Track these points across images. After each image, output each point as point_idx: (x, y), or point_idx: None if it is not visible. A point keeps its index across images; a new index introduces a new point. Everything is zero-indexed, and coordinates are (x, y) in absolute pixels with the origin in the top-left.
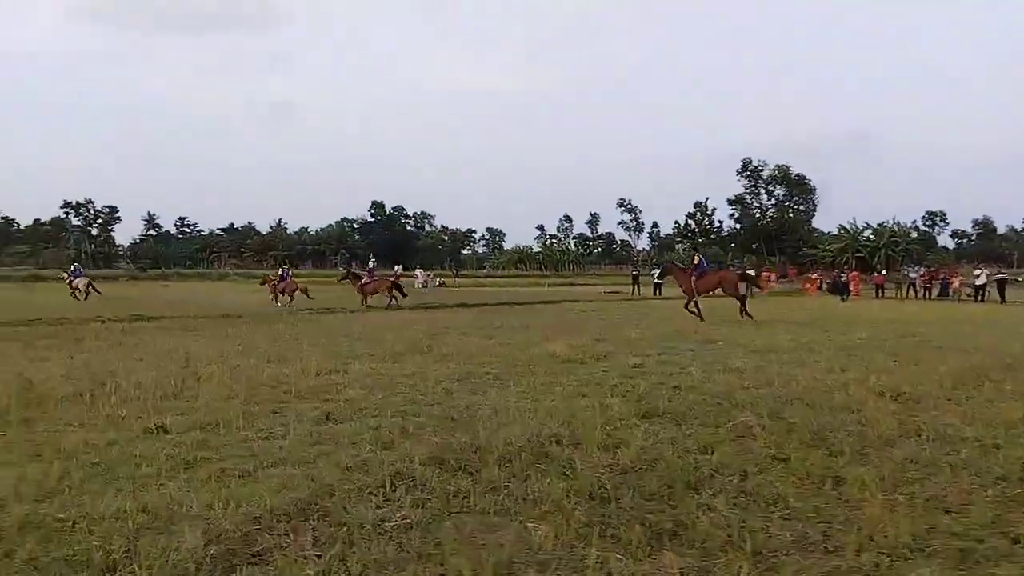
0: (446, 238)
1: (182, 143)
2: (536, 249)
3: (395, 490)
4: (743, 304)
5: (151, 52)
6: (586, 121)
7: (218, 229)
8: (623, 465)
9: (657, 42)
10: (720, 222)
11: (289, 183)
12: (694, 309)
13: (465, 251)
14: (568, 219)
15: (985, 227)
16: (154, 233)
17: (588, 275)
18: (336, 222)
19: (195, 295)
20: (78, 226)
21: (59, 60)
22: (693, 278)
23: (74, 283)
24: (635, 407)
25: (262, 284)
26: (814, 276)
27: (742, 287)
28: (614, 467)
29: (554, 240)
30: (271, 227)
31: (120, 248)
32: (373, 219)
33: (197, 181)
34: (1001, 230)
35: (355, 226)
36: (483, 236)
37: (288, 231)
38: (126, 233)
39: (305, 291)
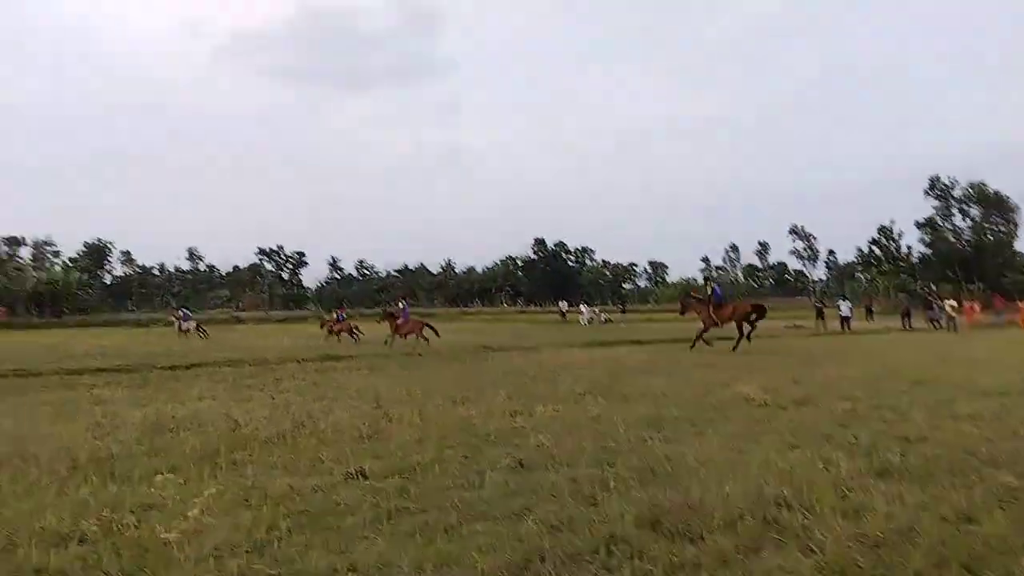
0: (607, 272)
1: (361, 190)
2: (701, 282)
3: (611, 556)
4: (748, 335)
5: (330, 106)
6: (750, 146)
7: (394, 271)
8: (873, 537)
9: (827, 54)
10: (908, 247)
11: (457, 224)
12: (705, 339)
13: (627, 285)
14: (735, 249)
15: None
16: (338, 276)
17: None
18: (501, 260)
19: (377, 335)
20: (271, 271)
21: (250, 117)
22: (710, 308)
23: (183, 326)
24: (864, 463)
25: (321, 327)
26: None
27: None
28: (862, 539)
29: (720, 272)
30: (441, 267)
31: (308, 290)
32: (536, 256)
33: (375, 225)
34: None
35: (519, 264)
36: (645, 270)
37: (456, 270)
38: (313, 276)
39: (351, 331)
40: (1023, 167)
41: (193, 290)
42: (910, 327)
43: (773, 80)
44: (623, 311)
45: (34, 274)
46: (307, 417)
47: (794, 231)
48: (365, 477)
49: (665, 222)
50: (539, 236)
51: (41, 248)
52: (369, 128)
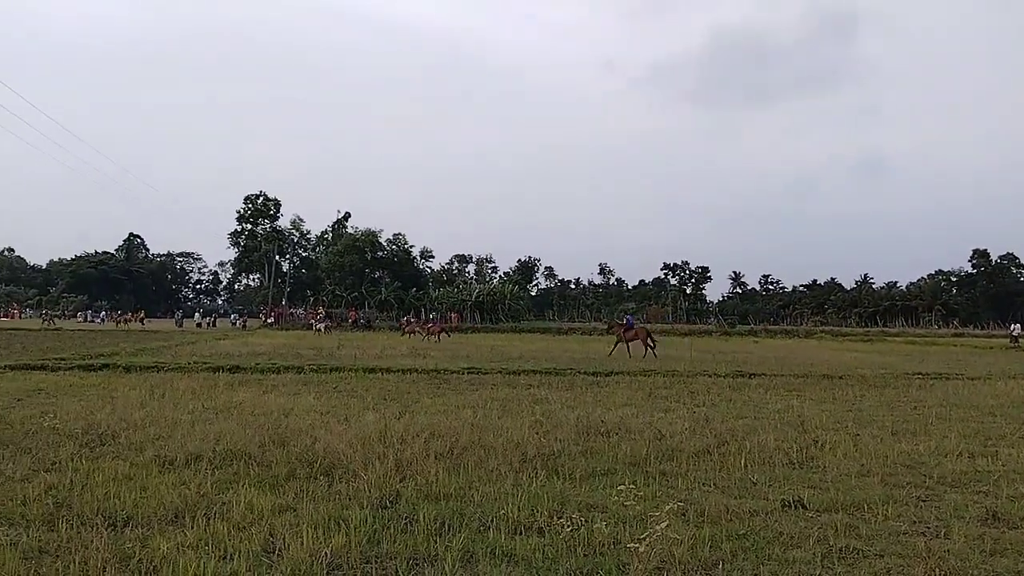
0: None
1: (767, 204)
2: None
3: None
4: (654, 349)
5: (737, 124)
6: None
7: (801, 286)
8: None
9: None
10: None
11: (875, 237)
12: (616, 352)
13: None
14: None
15: None
16: (740, 291)
17: None
18: (929, 275)
19: (787, 352)
20: (675, 285)
21: (662, 142)
22: (622, 331)
23: (316, 325)
24: None
25: (402, 334)
26: None
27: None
28: None
29: None
30: (856, 282)
31: (710, 304)
32: (975, 270)
33: (781, 239)
34: None
35: (952, 279)
36: None
37: (874, 286)
38: (715, 291)
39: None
40: None
41: (604, 302)
42: None
43: None
44: None
45: (477, 286)
46: (729, 434)
47: None
48: (804, 507)
49: None
50: (979, 247)
51: (483, 264)
52: (780, 142)
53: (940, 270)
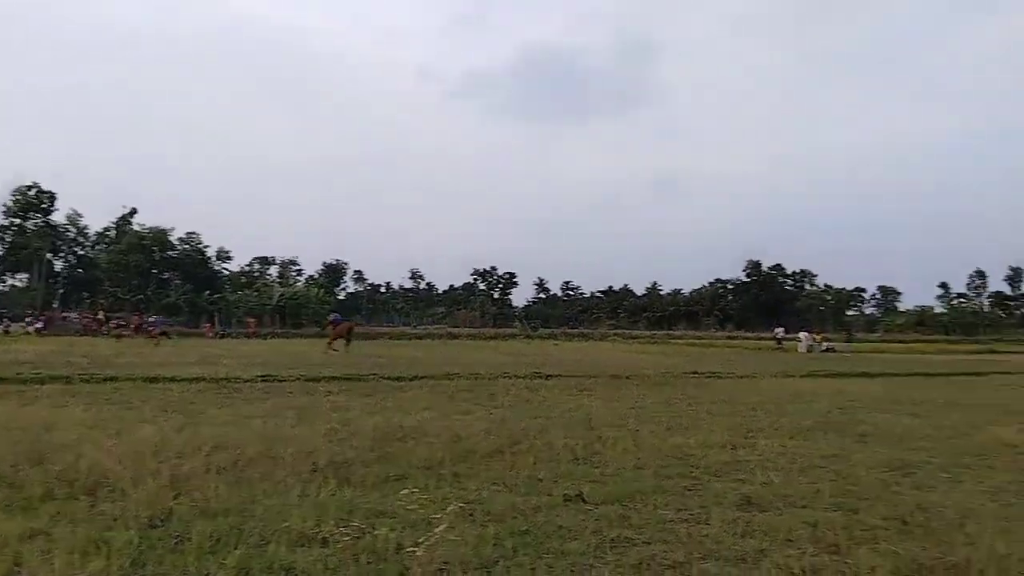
0: (829, 298)
1: (572, 215)
2: (939, 310)
3: None
4: (347, 344)
5: (549, 139)
6: (1004, 163)
7: (598, 292)
8: None
9: None
10: None
11: (665, 247)
12: (333, 349)
13: (851, 312)
14: (981, 275)
15: None
16: (543, 296)
17: (1011, 341)
18: (709, 283)
19: (583, 354)
20: (483, 290)
21: (472, 152)
22: (334, 327)
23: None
24: None
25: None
26: None
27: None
28: None
29: (962, 300)
30: (646, 289)
31: (516, 309)
32: (748, 279)
33: (583, 248)
34: None
35: (729, 287)
36: (874, 295)
37: (662, 292)
38: (521, 296)
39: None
40: None
41: (414, 306)
42: None
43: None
44: (848, 340)
45: (280, 289)
46: (522, 434)
47: None
48: (584, 501)
49: (901, 245)
50: (752, 258)
51: (287, 267)
52: (585, 157)
53: (719, 278)
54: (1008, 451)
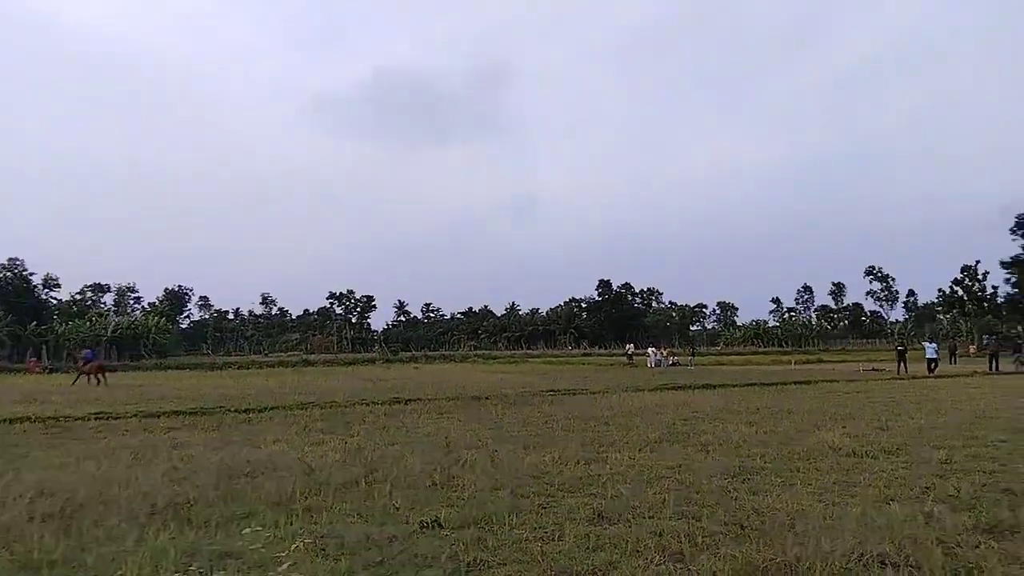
0: (674, 314)
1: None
2: (772, 323)
3: None
4: (102, 381)
5: (407, 162)
6: (824, 188)
7: (459, 313)
8: None
9: (908, 98)
10: (995, 288)
11: (524, 268)
12: (85, 382)
13: (695, 327)
14: (808, 290)
15: None
16: (404, 319)
17: (836, 351)
18: (565, 302)
19: (443, 377)
20: (340, 315)
21: (328, 172)
22: (85, 365)
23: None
24: (970, 518)
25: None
26: None
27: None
28: None
29: (792, 313)
30: (506, 309)
31: (375, 333)
32: (600, 298)
33: (444, 270)
34: None
35: (583, 305)
36: (714, 311)
37: (520, 312)
38: (380, 320)
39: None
40: None
41: (265, 333)
42: (997, 370)
43: (858, 124)
44: (692, 353)
45: (115, 319)
46: (379, 461)
47: (871, 272)
48: (441, 526)
49: (738, 263)
50: (604, 278)
51: (124, 294)
52: (443, 181)
53: (573, 298)
54: (833, 454)
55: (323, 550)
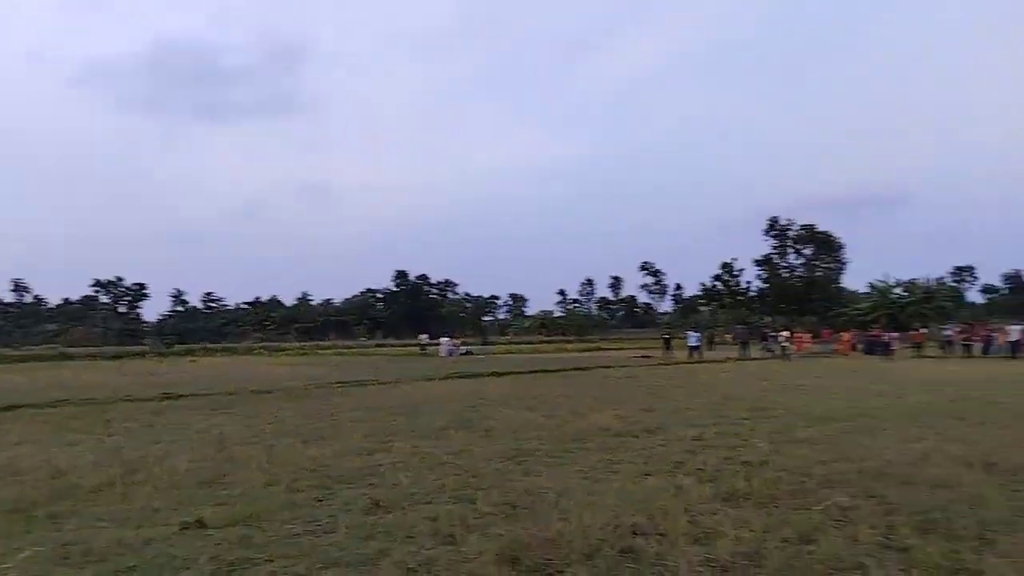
0: (469, 305)
1: (214, 221)
2: (559, 314)
3: None
4: None
5: (188, 138)
6: (606, 187)
7: (243, 303)
8: (723, 561)
9: (685, 105)
10: (748, 283)
11: (317, 257)
12: None
13: (487, 317)
14: (590, 283)
15: (1016, 280)
16: (181, 309)
17: (612, 339)
18: (360, 293)
19: (223, 370)
20: (107, 304)
21: (100, 146)
22: None
23: None
24: (711, 488)
25: None
26: (846, 336)
27: None
28: (713, 564)
29: (576, 305)
30: (296, 299)
31: (147, 325)
32: (397, 289)
33: (227, 257)
34: None
35: (378, 296)
36: (506, 302)
37: (312, 303)
38: (153, 309)
39: None
40: (844, 213)
41: (16, 324)
42: (747, 356)
43: (637, 129)
44: (485, 343)
45: None
46: (140, 461)
47: (645, 267)
48: (204, 526)
49: (528, 257)
50: (400, 268)
51: None
52: (229, 161)
53: (369, 288)
54: (602, 435)
55: (66, 558)
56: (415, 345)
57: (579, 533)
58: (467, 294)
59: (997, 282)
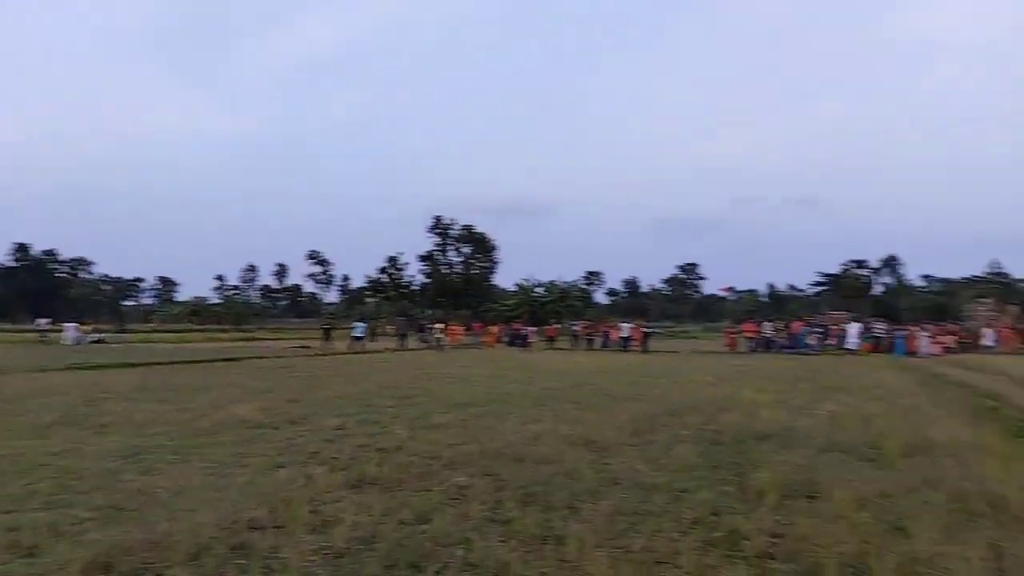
0: (106, 287)
1: None
2: (215, 300)
3: None
4: None
5: None
6: (276, 170)
7: None
8: (336, 548)
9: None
10: (412, 277)
11: None
12: None
13: (129, 302)
14: (252, 269)
15: (633, 286)
16: None
17: (273, 329)
18: None
19: None
20: None
21: None
22: None
23: None
24: (342, 476)
25: None
26: (494, 329)
27: None
28: (326, 551)
29: (235, 292)
30: None
31: None
32: (16, 264)
33: None
34: (644, 289)
35: None
36: (154, 285)
37: None
38: None
39: None
40: (500, 218)
41: None
42: (405, 347)
43: (313, 112)
44: (122, 330)
45: None
46: None
47: (312, 256)
48: None
49: (183, 236)
50: (21, 241)
51: None
52: None
53: None
54: (240, 427)
55: None
56: (33, 331)
57: (189, 532)
58: (105, 275)
59: (619, 286)
